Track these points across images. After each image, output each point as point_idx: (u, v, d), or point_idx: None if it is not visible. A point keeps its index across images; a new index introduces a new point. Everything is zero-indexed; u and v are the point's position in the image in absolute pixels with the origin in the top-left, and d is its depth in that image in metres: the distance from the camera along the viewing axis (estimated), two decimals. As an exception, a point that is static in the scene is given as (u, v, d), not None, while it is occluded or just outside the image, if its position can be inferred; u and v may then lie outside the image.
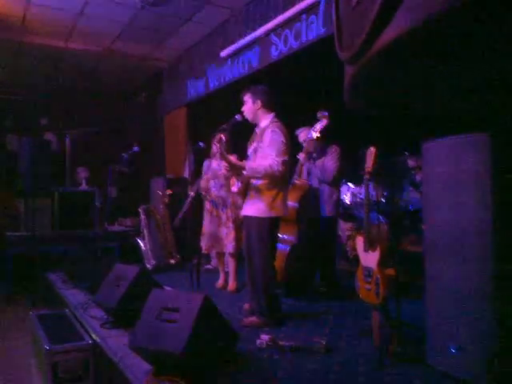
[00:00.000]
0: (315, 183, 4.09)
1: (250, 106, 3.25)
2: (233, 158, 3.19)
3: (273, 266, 3.22)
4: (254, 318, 3.17)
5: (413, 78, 1.13)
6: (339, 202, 4.22)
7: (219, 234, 4.27)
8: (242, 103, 3.32)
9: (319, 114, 3.70)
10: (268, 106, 3.24)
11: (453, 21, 0.96)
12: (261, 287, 3.12)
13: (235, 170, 3.19)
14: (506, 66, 1.28)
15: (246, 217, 3.23)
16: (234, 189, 3.30)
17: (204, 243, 4.30)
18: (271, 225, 3.15)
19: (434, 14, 0.93)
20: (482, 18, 0.98)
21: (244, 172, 3.12)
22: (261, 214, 3.12)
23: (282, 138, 3.09)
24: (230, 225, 4.22)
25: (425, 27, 0.95)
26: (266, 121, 3.22)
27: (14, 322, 4.33)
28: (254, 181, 3.17)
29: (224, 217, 4.26)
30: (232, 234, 4.20)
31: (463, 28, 1.01)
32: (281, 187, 3.17)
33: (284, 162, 3.04)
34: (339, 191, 4.25)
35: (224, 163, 3.14)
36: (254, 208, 3.15)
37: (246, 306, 3.49)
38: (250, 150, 3.31)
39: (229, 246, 4.21)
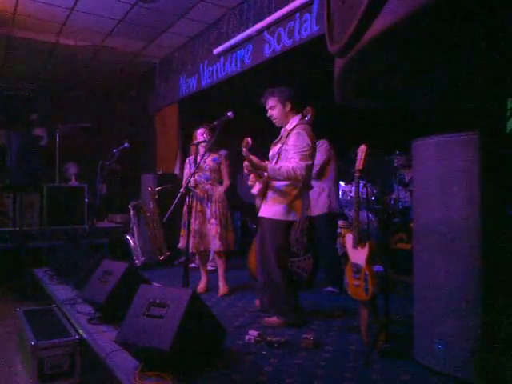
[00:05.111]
0: None
1: (279, 110, 3.15)
2: (254, 159, 3.06)
3: (287, 267, 3.21)
4: (274, 319, 3.11)
5: (401, 70, 1.14)
6: (332, 195, 4.10)
7: (204, 231, 4.09)
8: (263, 107, 3.21)
9: (305, 110, 3.72)
10: (295, 109, 3.18)
11: (441, 14, 0.96)
12: (280, 288, 3.07)
13: (257, 171, 3.12)
14: (498, 61, 1.28)
15: (262, 218, 3.17)
16: (254, 190, 3.24)
17: (191, 241, 3.99)
18: (286, 228, 3.10)
19: (420, 8, 0.93)
20: (475, 11, 0.98)
21: (265, 173, 3.05)
22: (277, 216, 3.06)
23: (308, 141, 3.00)
24: (213, 221, 4.05)
25: (415, 18, 0.95)
26: (292, 123, 3.14)
27: (0, 317, 4.28)
28: (274, 183, 3.10)
29: (208, 212, 4.09)
30: (214, 230, 4.03)
31: (451, 22, 1.01)
32: (301, 192, 3.09)
33: (307, 167, 2.97)
34: (331, 187, 4.14)
35: (245, 163, 3.05)
36: (271, 210, 3.09)
37: (257, 302, 3.47)
38: (272, 152, 3.24)
39: (213, 242, 4.03)
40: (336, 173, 4.22)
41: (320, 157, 4.02)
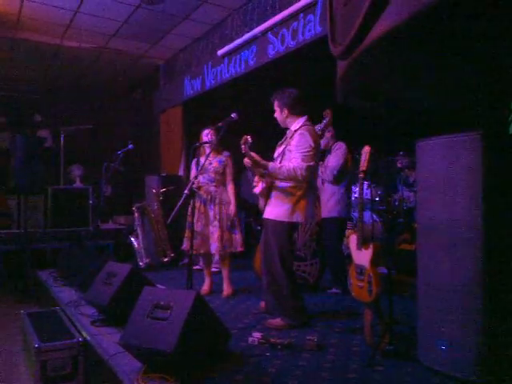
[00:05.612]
0: (319, 183, 3.97)
1: (278, 115, 3.21)
2: (255, 155, 3.05)
3: (292, 268, 3.21)
4: (278, 320, 3.10)
5: (401, 71, 1.13)
6: (342, 200, 4.05)
7: (206, 233, 4.05)
8: (268, 109, 3.25)
9: (324, 113, 3.72)
10: (296, 112, 3.16)
11: (442, 16, 0.95)
12: (284, 290, 3.06)
13: (258, 169, 3.12)
14: (497, 63, 1.27)
15: (265, 219, 3.16)
16: (257, 190, 3.23)
17: (194, 243, 3.94)
18: (290, 230, 3.09)
19: (421, 10, 0.93)
20: (471, 13, 0.97)
21: (266, 171, 3.05)
22: (281, 218, 3.05)
23: (311, 142, 2.99)
24: (216, 223, 4.01)
25: (416, 20, 0.95)
26: (296, 124, 3.14)
27: (4, 320, 4.29)
28: (278, 183, 3.09)
29: (211, 214, 4.05)
30: (216, 233, 3.98)
31: (452, 23, 1.00)
32: (306, 193, 3.07)
33: (309, 168, 2.95)
34: (343, 192, 4.07)
35: (245, 159, 3.06)
36: (275, 211, 3.08)
37: (262, 303, 3.46)
38: (277, 153, 3.24)
39: (213, 245, 3.99)
40: (349, 177, 4.15)
41: (337, 160, 3.96)
